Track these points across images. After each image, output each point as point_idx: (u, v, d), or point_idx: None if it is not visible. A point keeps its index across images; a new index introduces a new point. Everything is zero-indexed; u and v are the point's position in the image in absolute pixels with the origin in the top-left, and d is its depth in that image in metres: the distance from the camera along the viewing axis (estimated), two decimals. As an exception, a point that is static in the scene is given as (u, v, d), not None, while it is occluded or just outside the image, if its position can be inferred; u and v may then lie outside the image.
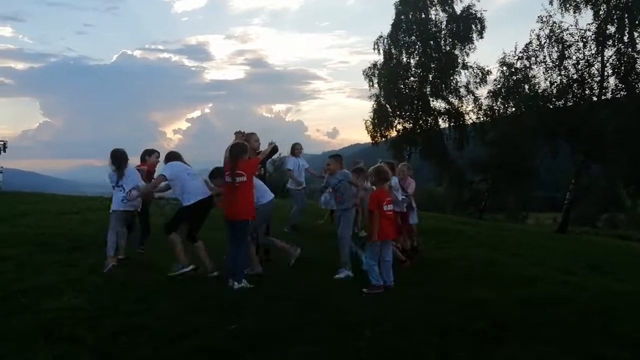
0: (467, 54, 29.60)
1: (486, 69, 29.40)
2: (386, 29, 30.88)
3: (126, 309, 4.61)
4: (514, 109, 25.92)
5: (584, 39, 21.32)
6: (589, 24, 21.25)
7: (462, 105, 30.64)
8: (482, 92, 29.54)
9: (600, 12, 20.91)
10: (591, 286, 6.82)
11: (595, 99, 21.67)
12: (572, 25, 21.52)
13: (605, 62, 21.13)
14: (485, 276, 6.96)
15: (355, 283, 6.09)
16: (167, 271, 5.93)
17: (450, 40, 29.68)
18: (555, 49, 21.86)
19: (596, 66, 21.40)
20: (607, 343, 4.39)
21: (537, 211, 46.07)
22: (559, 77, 22.00)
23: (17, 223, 9.26)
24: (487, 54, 32.73)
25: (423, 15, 29.76)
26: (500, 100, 26.34)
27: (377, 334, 4.24)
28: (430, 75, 30.33)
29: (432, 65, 30.00)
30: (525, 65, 23.24)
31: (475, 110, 30.08)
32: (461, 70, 29.86)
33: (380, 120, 31.15)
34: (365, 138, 33.14)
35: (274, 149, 6.59)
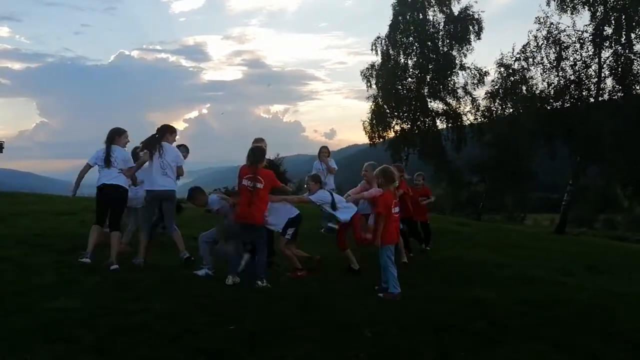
0: (465, 55, 29.74)
1: (484, 70, 29.58)
2: (384, 30, 31.03)
3: (125, 309, 4.59)
4: (511, 110, 26.00)
5: (581, 41, 21.39)
6: (586, 26, 21.33)
7: (459, 106, 30.74)
8: (480, 93, 29.65)
9: (598, 14, 20.96)
10: (589, 287, 6.85)
11: (592, 100, 21.72)
12: (569, 27, 21.62)
13: (603, 63, 21.17)
14: (484, 277, 6.99)
15: (355, 284, 6.09)
16: (166, 270, 5.92)
17: (447, 41, 29.74)
18: (553, 50, 21.92)
19: (593, 67, 21.45)
20: (605, 343, 4.41)
21: (534, 212, 46.23)
22: (556, 79, 22.06)
23: (15, 224, 9.22)
24: (484, 55, 32.88)
25: (421, 16, 29.82)
26: (497, 101, 26.43)
27: (377, 334, 4.24)
28: (428, 76, 30.39)
29: (430, 66, 30.06)
30: (522, 67, 23.32)
31: (473, 111, 30.22)
32: (459, 72, 29.96)
33: (378, 121, 31.21)
34: (363, 139, 33.27)
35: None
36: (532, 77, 23.08)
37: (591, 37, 21.11)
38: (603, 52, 21.17)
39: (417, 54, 30.15)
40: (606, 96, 21.70)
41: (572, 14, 21.48)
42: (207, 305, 4.86)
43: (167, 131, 6.78)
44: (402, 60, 30.53)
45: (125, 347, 3.76)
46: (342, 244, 6.80)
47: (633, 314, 5.53)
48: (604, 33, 20.90)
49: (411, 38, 30.08)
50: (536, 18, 22.22)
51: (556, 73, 21.97)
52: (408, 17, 29.83)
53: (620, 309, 5.70)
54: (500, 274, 7.29)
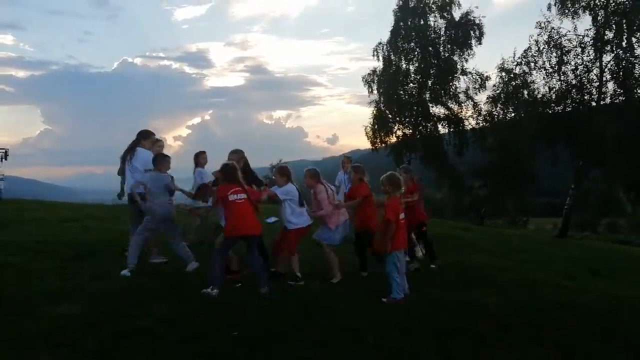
0: (466, 60, 29.80)
1: (485, 74, 29.60)
2: (385, 36, 31.09)
3: (127, 314, 4.61)
4: (513, 115, 25.96)
5: (582, 45, 21.38)
6: (587, 30, 21.33)
7: (461, 111, 30.79)
8: (482, 97, 29.77)
9: (599, 18, 20.98)
10: (592, 290, 6.84)
11: (594, 104, 21.70)
12: (570, 31, 21.63)
13: (604, 67, 21.17)
14: (487, 281, 6.98)
15: (356, 287, 6.09)
16: (169, 275, 5.92)
17: (449, 46, 29.81)
18: (554, 54, 21.92)
19: (595, 71, 21.43)
20: (608, 347, 4.40)
21: (537, 216, 46.09)
22: (558, 83, 22.04)
23: (18, 230, 9.26)
24: (486, 59, 32.86)
25: (422, 22, 29.90)
26: (499, 105, 26.38)
27: (380, 338, 4.25)
28: (430, 82, 30.45)
29: (432, 72, 30.11)
30: (524, 71, 23.30)
31: (474, 115, 30.20)
32: (460, 76, 30.01)
33: (380, 126, 31.24)
34: (365, 144, 33.23)
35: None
36: (533, 81, 23.11)
37: (592, 41, 21.12)
38: (604, 56, 21.17)
39: (418, 59, 30.21)
40: (608, 100, 21.66)
41: (573, 18, 21.53)
42: (209, 309, 4.87)
43: (142, 137, 6.96)
44: (404, 66, 30.60)
45: (128, 352, 3.77)
46: (282, 248, 6.44)
47: (636, 317, 5.52)
48: (605, 37, 20.92)
49: (412, 43, 30.15)
50: (537, 23, 22.28)
51: (557, 77, 21.97)
52: (409, 22, 29.92)
53: (623, 312, 5.69)
54: (502, 277, 7.28)
